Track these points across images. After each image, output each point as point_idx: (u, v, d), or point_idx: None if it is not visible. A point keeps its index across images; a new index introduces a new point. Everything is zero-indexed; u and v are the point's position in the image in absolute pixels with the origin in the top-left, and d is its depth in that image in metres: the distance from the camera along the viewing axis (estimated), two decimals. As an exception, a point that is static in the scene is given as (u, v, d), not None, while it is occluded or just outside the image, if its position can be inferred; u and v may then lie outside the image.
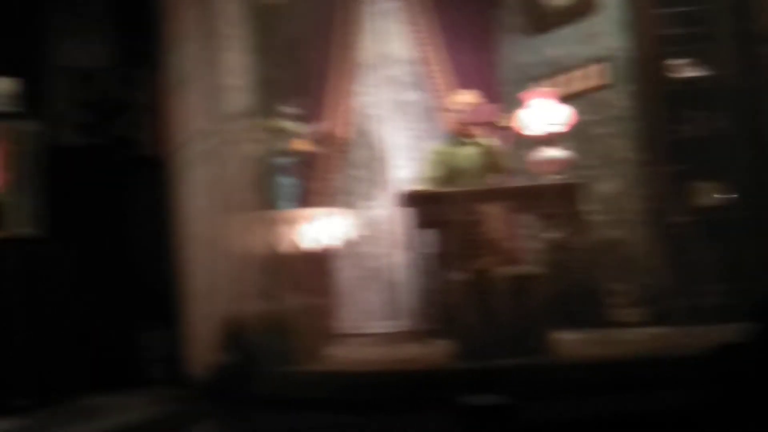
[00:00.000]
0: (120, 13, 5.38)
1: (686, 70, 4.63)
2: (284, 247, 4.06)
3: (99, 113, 5.46)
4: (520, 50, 5.05)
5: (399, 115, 5.01)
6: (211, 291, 4.25)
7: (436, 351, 3.92)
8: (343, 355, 4.21)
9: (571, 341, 3.92)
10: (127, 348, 4.94)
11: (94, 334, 4.80)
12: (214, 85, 4.18)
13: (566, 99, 4.54)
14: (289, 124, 4.06)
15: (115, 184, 5.28)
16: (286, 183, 4.08)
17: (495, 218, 3.90)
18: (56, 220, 5.11)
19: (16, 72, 5.64)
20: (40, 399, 4.15)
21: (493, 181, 4.24)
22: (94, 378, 4.56)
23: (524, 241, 4.10)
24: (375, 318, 4.82)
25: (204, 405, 3.92)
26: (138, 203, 5.19)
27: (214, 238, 4.19)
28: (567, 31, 5.03)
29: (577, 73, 4.91)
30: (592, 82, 4.89)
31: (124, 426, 3.59)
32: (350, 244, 4.55)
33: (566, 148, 4.33)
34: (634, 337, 4.19)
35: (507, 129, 4.44)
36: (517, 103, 4.51)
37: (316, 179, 4.29)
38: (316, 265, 4.29)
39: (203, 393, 4.07)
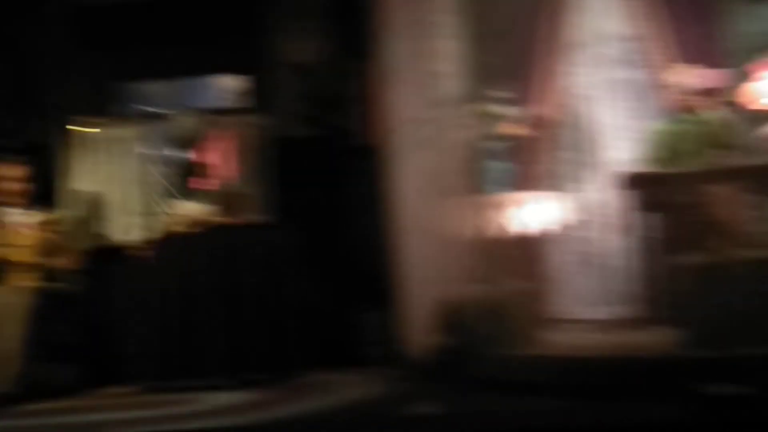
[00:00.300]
0: (334, 9, 5.62)
1: None
2: (497, 231, 4.06)
3: (317, 106, 5.75)
4: (748, 19, 4.70)
5: (612, 94, 4.82)
6: (424, 274, 4.34)
7: (657, 338, 3.76)
8: (559, 340, 4.14)
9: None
10: (346, 329, 5.18)
11: (317, 315, 5.07)
12: (425, 72, 4.26)
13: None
14: (500, 108, 4.04)
15: (334, 172, 5.54)
16: (498, 167, 4.07)
17: (725, 199, 3.66)
18: (283, 207, 5.45)
19: (244, 70, 6.09)
20: (271, 375, 4.46)
21: (721, 159, 3.98)
22: (317, 357, 4.83)
23: (758, 224, 3.83)
24: (590, 303, 4.69)
25: (422, 385, 4.02)
26: (354, 190, 5.41)
27: (428, 222, 4.28)
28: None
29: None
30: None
31: (351, 402, 3.77)
32: (563, 228, 4.46)
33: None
34: None
35: (735, 103, 4.15)
36: (745, 76, 4.21)
37: (528, 163, 4.24)
38: (529, 250, 4.25)
39: (421, 374, 4.18)
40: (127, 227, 5.95)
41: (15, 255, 4.54)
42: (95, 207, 5.96)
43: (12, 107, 6.15)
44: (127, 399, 4.46)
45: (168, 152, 5.83)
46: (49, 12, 5.77)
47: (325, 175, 5.56)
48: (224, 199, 5.17)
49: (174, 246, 4.68)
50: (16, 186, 4.64)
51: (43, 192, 4.91)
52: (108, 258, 5.55)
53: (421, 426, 3.32)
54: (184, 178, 5.31)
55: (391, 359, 4.82)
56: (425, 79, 4.18)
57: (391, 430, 3.31)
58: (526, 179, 4.19)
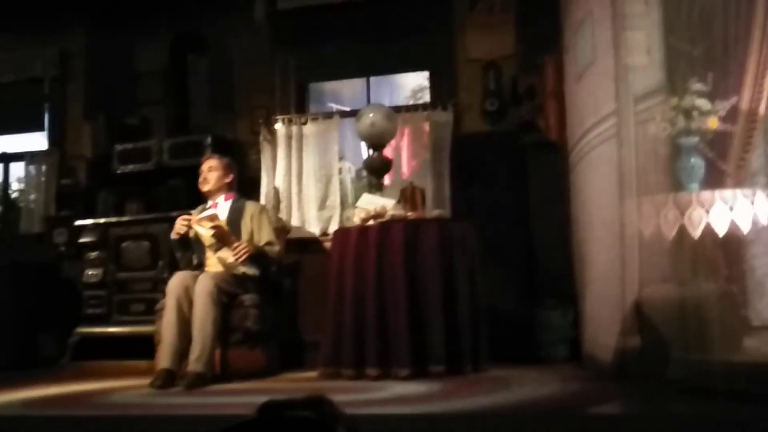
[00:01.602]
0: (521, 3, 5.59)
1: None
2: (693, 230, 3.87)
3: (502, 100, 5.75)
4: None
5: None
6: (612, 274, 4.21)
7: None
8: (759, 347, 3.90)
9: None
10: (529, 326, 5.14)
11: (499, 311, 5.06)
12: (619, 65, 4.12)
13: None
14: (699, 101, 3.85)
15: (518, 167, 5.51)
16: (696, 164, 3.88)
17: None
18: (465, 203, 5.49)
19: (429, 66, 6.20)
20: (451, 367, 4.47)
21: None
22: (499, 352, 4.81)
23: None
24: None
25: (607, 386, 3.91)
26: (539, 186, 5.36)
27: (617, 220, 4.15)
28: None
29: None
30: None
31: (534, 398, 3.71)
32: (766, 229, 4.19)
33: None
34: None
35: None
36: None
37: (728, 159, 4.02)
38: (728, 251, 4.02)
39: (606, 374, 4.07)
40: (314, 219, 6.21)
41: (210, 241, 4.80)
42: (284, 200, 6.26)
43: (214, 105, 6.59)
44: (308, 384, 4.59)
45: (357, 148, 6.04)
46: (252, 15, 6.11)
47: (509, 170, 5.55)
48: (408, 193, 5.25)
49: (355, 238, 4.77)
50: (215, 176, 4.95)
51: (240, 185, 5.19)
52: (294, 248, 5.82)
53: (605, 426, 3.23)
54: (371, 173, 5.44)
55: (573, 358, 4.74)
56: (619, 72, 4.05)
57: (572, 427, 3.24)
58: (726, 176, 3.98)
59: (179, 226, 4.75)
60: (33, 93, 7.08)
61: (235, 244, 4.72)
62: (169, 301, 4.53)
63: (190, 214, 4.87)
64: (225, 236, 4.74)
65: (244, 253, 4.69)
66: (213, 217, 4.72)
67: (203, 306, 4.43)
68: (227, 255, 4.74)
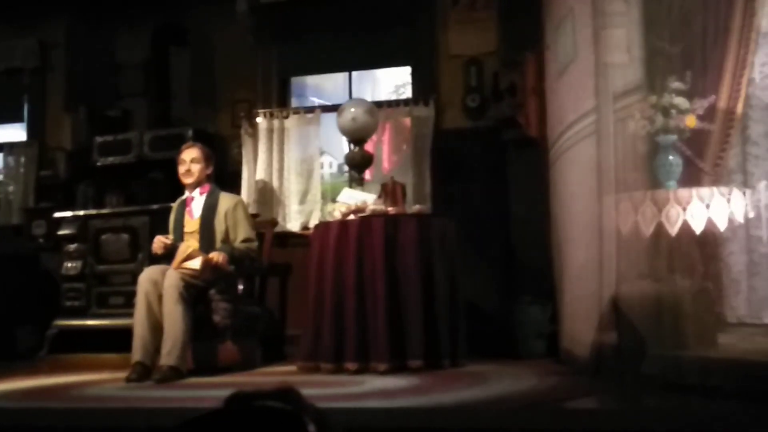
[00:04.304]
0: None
1: None
2: (670, 228, 3.91)
3: (483, 96, 5.77)
4: None
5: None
6: (590, 270, 4.24)
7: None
8: (732, 344, 3.95)
9: None
10: (507, 321, 5.16)
11: (477, 306, 5.08)
12: (599, 63, 4.15)
13: None
14: (678, 100, 3.88)
15: (498, 163, 5.53)
16: (673, 162, 3.92)
17: None
18: (446, 198, 5.50)
19: (411, 61, 6.20)
20: (430, 362, 4.49)
21: None
22: (477, 347, 4.84)
23: None
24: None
25: (584, 381, 3.94)
26: (519, 182, 5.39)
27: (595, 217, 4.17)
28: None
29: None
30: None
31: (511, 393, 3.74)
32: (742, 227, 4.24)
33: None
34: None
35: None
36: None
37: (706, 157, 4.06)
38: (704, 248, 4.06)
39: (583, 370, 4.10)
40: (295, 214, 6.21)
41: (186, 237, 4.80)
42: (265, 194, 6.25)
43: (195, 98, 6.57)
44: (286, 377, 4.55)
45: (338, 143, 6.03)
46: (234, 8, 6.09)
47: (490, 166, 5.57)
48: (388, 188, 5.26)
49: (336, 232, 4.76)
50: (199, 168, 4.91)
51: (221, 179, 5.17)
52: (280, 242, 5.81)
53: (582, 420, 3.25)
54: (352, 168, 5.44)
55: (552, 354, 4.77)
56: (599, 70, 4.07)
57: (549, 422, 3.27)
58: (704, 174, 4.02)
59: (157, 247, 4.78)
60: (12, 84, 7.01)
61: (217, 239, 4.72)
62: (138, 295, 4.55)
63: (167, 238, 4.84)
64: (209, 263, 4.69)
65: (229, 250, 4.75)
66: (193, 254, 4.64)
67: (171, 300, 4.44)
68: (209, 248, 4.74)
